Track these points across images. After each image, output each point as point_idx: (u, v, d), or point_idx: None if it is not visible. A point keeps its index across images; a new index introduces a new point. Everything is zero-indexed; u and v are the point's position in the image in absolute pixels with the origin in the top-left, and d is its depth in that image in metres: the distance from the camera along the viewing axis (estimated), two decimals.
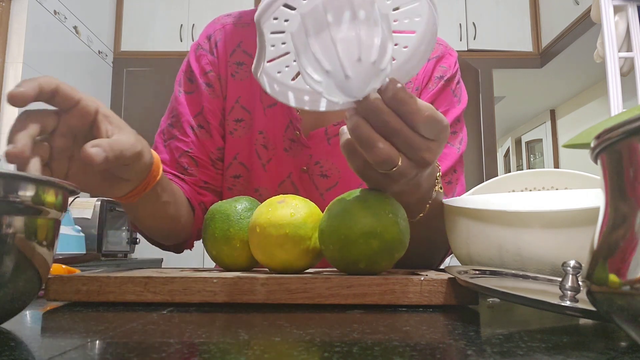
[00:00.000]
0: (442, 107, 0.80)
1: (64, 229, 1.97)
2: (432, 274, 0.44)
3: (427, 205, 0.57)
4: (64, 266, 0.57)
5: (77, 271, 0.56)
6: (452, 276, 0.41)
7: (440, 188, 0.58)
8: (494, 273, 0.46)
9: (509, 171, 5.14)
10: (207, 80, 0.79)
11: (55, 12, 2.66)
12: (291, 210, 0.48)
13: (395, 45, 0.41)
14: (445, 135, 0.43)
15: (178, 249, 0.78)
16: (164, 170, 0.65)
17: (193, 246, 0.80)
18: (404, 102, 0.39)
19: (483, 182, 0.66)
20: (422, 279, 0.40)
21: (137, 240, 2.70)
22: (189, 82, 0.80)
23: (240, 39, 0.81)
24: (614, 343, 0.28)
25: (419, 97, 0.77)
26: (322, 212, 0.48)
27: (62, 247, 1.96)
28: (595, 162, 0.24)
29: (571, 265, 0.34)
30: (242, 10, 0.85)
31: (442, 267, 0.78)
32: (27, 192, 0.30)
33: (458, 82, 0.84)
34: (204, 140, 0.78)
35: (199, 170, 0.77)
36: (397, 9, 0.39)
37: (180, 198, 0.71)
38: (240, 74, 0.80)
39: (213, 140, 0.79)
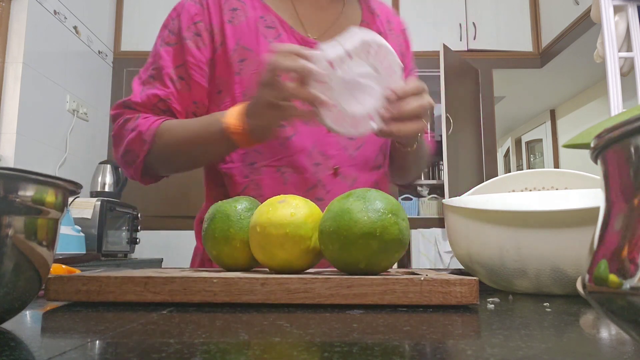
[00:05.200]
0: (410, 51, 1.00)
1: (64, 229, 1.97)
2: (432, 274, 0.44)
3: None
4: (64, 266, 0.57)
5: (77, 271, 0.56)
6: (451, 276, 0.41)
7: None
8: None
9: (509, 171, 5.14)
10: (195, 30, 0.81)
11: (55, 12, 2.66)
12: (292, 210, 0.48)
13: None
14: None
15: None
16: (137, 111, 0.78)
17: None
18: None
19: (483, 182, 0.66)
20: (422, 279, 0.40)
21: (137, 240, 2.70)
22: (171, 34, 0.82)
23: None
24: (615, 343, 0.28)
25: (405, 55, 0.97)
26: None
27: (62, 247, 1.96)
28: (595, 162, 0.24)
29: None
30: None
31: (443, 267, 0.79)
32: (27, 192, 0.30)
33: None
34: (183, 92, 0.80)
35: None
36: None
37: None
38: (236, 18, 0.82)
39: (191, 94, 0.81)
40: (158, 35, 0.84)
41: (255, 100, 0.65)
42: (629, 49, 1.71)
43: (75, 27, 2.87)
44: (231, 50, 0.80)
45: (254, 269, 0.56)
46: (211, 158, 0.79)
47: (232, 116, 0.68)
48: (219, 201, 0.57)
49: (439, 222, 3.11)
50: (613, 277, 0.20)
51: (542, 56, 3.37)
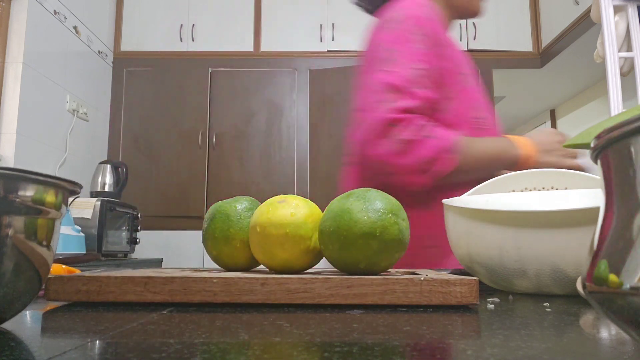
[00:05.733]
0: None
1: (64, 229, 1.97)
2: (432, 274, 0.44)
3: None
4: (64, 266, 0.57)
5: (77, 271, 0.56)
6: (451, 276, 0.41)
7: None
8: None
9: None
10: (436, 39, 0.90)
11: (55, 12, 2.66)
12: (292, 210, 0.48)
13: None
14: None
15: None
16: (414, 114, 0.83)
17: None
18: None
19: (483, 182, 0.66)
20: (422, 279, 0.40)
21: (137, 240, 2.70)
22: (425, 37, 0.89)
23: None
24: (615, 343, 0.28)
25: None
26: None
27: (62, 247, 1.96)
28: (595, 162, 0.24)
29: None
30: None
31: (442, 268, 0.79)
32: (27, 192, 0.30)
33: None
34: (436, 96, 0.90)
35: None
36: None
37: None
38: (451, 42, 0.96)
39: (437, 98, 0.90)
40: (403, 33, 0.89)
41: (546, 155, 0.90)
42: (629, 49, 1.71)
43: (75, 27, 2.87)
44: (455, 64, 0.93)
45: (254, 269, 0.56)
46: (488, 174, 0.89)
47: (526, 149, 0.89)
48: (219, 201, 0.57)
49: None
50: (613, 277, 0.20)
51: (542, 56, 3.37)
